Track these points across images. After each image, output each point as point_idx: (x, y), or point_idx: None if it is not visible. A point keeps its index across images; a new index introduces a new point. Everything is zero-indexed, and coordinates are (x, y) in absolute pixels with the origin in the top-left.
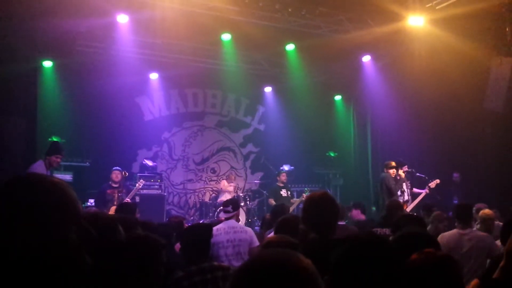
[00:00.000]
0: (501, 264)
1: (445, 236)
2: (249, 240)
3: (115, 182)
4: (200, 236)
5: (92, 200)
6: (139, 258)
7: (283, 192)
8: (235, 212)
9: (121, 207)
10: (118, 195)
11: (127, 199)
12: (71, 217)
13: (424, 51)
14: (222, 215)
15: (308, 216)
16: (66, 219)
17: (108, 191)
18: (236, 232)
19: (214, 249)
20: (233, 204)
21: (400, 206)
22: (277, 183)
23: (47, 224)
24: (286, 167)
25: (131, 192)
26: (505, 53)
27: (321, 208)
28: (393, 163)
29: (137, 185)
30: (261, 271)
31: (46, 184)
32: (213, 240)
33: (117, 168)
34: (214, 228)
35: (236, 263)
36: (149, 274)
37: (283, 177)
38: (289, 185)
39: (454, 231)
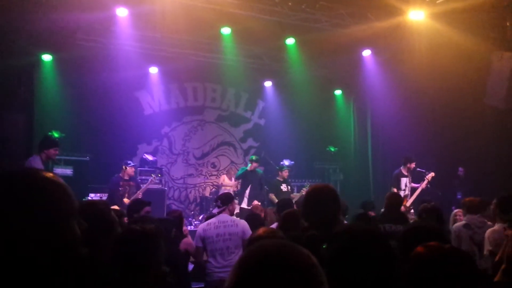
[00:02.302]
0: (503, 267)
1: (495, 232)
2: (240, 233)
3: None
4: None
5: (92, 195)
6: (138, 249)
7: (283, 187)
8: (224, 207)
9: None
10: (128, 188)
11: (140, 194)
12: (68, 210)
13: (424, 46)
14: (215, 210)
15: (308, 210)
16: (63, 212)
17: (121, 183)
18: (226, 226)
19: (205, 244)
20: (221, 199)
21: (401, 201)
22: (277, 178)
23: (44, 217)
24: (286, 162)
25: (143, 187)
26: (506, 48)
27: (322, 202)
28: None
29: (150, 180)
30: (265, 260)
31: (40, 178)
32: (203, 234)
33: (133, 164)
34: (205, 222)
35: (224, 258)
36: (149, 264)
37: (285, 173)
38: (289, 180)
39: (500, 227)
